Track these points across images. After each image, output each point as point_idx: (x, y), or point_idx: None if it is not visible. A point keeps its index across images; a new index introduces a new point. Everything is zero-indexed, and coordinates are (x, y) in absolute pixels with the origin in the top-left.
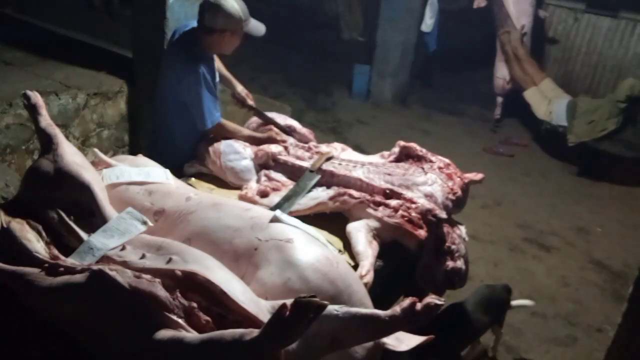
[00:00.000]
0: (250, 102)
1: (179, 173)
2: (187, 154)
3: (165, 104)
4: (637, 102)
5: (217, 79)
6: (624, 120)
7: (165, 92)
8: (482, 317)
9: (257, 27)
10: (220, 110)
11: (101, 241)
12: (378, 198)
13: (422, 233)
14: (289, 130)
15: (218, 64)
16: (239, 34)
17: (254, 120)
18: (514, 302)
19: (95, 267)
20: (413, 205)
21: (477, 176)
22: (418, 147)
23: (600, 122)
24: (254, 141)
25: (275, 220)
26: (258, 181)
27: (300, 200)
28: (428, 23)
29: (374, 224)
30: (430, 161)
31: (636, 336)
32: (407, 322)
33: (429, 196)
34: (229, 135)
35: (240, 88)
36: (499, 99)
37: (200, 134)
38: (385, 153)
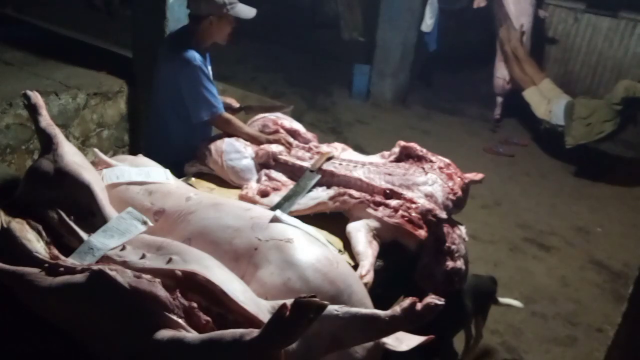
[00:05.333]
0: (236, 104)
1: (176, 172)
2: (184, 152)
3: (162, 101)
4: (633, 103)
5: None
6: (622, 121)
7: (161, 89)
8: (468, 305)
9: (245, 10)
10: (220, 103)
11: (101, 241)
12: (378, 198)
13: (422, 233)
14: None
15: None
16: (225, 18)
17: (258, 122)
18: (503, 300)
19: (95, 267)
20: (413, 205)
21: (477, 176)
22: (418, 147)
23: (597, 124)
24: (256, 141)
25: (275, 220)
26: (258, 181)
27: (300, 200)
28: (428, 23)
29: (374, 224)
30: (431, 161)
31: (636, 336)
32: (407, 322)
33: (429, 196)
34: (231, 130)
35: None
36: (499, 99)
37: (197, 132)
38: (386, 153)
